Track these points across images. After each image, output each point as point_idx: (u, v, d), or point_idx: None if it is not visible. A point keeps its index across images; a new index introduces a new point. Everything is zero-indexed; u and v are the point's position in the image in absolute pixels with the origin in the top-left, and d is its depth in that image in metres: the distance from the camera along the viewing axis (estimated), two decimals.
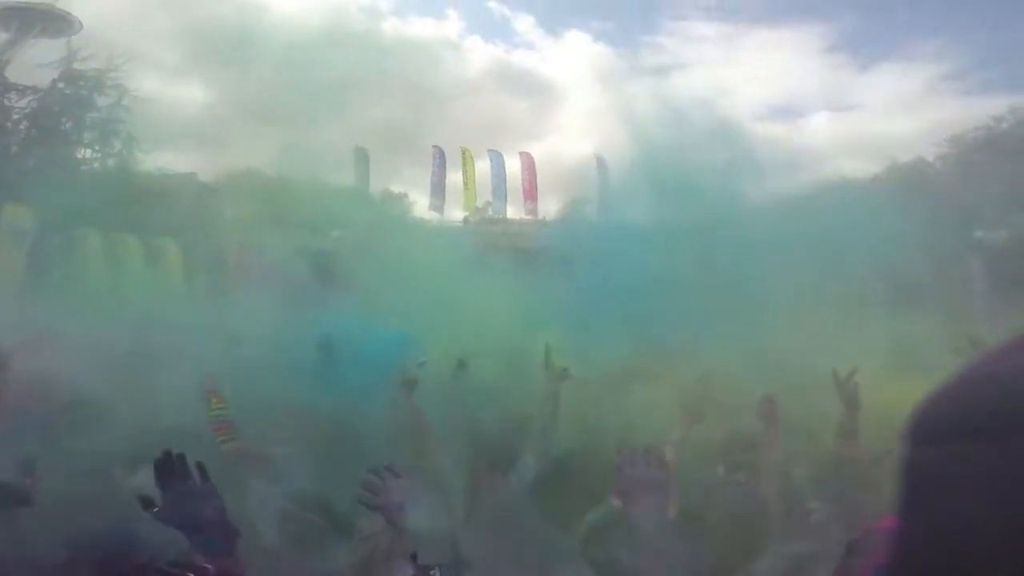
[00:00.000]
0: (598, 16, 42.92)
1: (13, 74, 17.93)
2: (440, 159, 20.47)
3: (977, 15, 32.66)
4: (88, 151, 19.36)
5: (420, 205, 19.55)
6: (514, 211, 20.83)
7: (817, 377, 3.93)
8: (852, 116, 30.91)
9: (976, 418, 0.42)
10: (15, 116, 18.11)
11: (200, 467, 1.93)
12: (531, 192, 20.83)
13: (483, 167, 20.94)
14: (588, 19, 42.20)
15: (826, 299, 5.62)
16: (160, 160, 18.70)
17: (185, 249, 11.80)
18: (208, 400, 3.37)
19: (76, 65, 18.48)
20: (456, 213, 19.98)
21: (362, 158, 17.39)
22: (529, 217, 19.78)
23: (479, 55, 34.73)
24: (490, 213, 20.63)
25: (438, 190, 20.17)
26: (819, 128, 26.27)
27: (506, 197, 21.06)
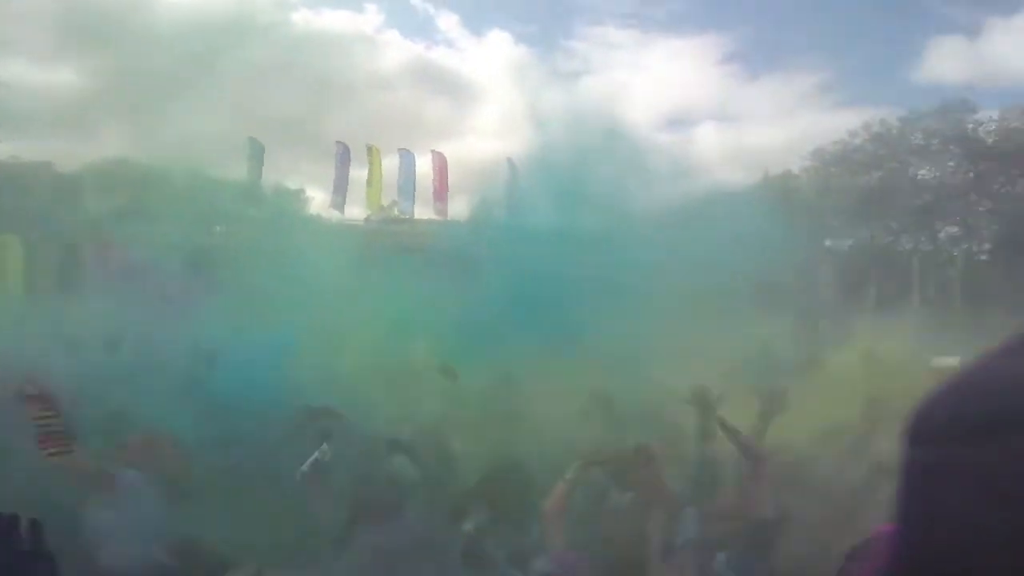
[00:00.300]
0: (521, 18, 43.59)
1: None
2: (344, 155, 19.67)
3: (850, 28, 36.60)
4: None
5: (319, 202, 18.68)
6: (424, 211, 20.55)
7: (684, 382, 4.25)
8: (735, 127, 33.76)
9: (975, 418, 0.42)
10: None
11: (34, 527, 1.66)
12: (441, 192, 20.57)
13: (392, 166, 20.43)
14: (512, 20, 42.67)
15: (700, 302, 6.00)
16: (16, 148, 16.35)
17: (31, 245, 10.38)
18: (28, 405, 2.79)
19: None
20: (359, 212, 19.34)
21: (256, 151, 16.29)
22: (438, 218, 19.55)
23: (396, 51, 33.89)
24: (396, 213, 20.14)
25: (340, 187, 19.37)
26: (707, 138, 28.38)
27: (414, 197, 20.67)
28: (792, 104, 33.58)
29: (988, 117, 24.76)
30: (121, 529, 2.68)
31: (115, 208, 9.95)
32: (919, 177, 25.82)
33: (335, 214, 14.88)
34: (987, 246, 24.92)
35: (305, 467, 3.32)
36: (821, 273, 15.58)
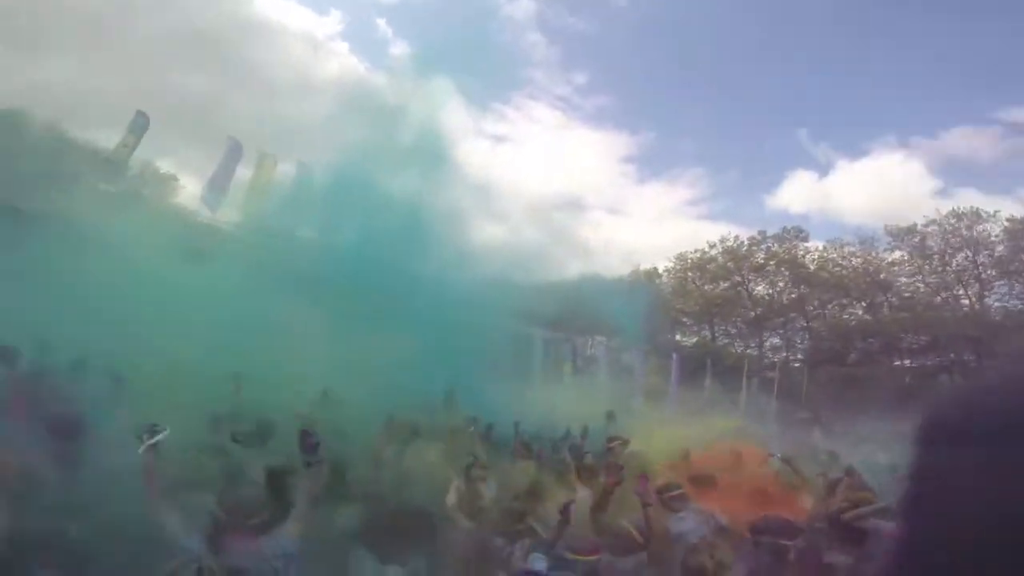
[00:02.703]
0: (471, 71, 44.58)
1: None
2: (234, 152, 18.22)
3: (730, 150, 41.56)
4: None
5: (188, 194, 17.04)
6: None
7: None
8: (621, 220, 37.08)
9: (981, 424, 0.43)
10: None
11: None
12: None
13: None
14: (458, 71, 43.32)
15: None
16: None
17: None
18: None
19: None
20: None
21: (139, 124, 14.54)
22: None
23: (335, 60, 32.81)
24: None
25: (218, 184, 17.82)
26: (593, 226, 30.76)
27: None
28: (668, 210, 37.92)
29: (814, 246, 29.32)
30: None
31: None
32: (755, 292, 29.92)
33: (202, 210, 13.52)
34: (799, 356, 29.15)
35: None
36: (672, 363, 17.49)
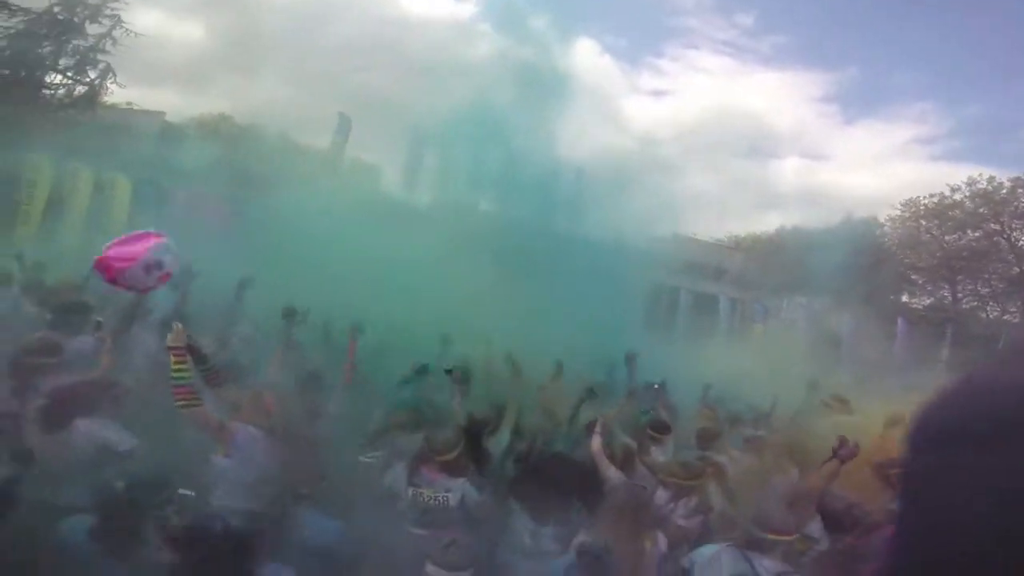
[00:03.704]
0: (612, 30, 43.35)
1: None
2: (343, 128, 19.97)
3: (961, 85, 34.22)
4: (61, 77, 18.34)
5: (389, 183, 19.23)
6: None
7: None
8: (823, 165, 32.24)
9: (974, 425, 0.42)
10: None
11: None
12: None
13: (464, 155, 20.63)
14: (603, 32, 42.32)
15: None
16: (134, 95, 17.91)
17: (138, 187, 11.44)
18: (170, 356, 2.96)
19: None
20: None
21: (343, 125, 16.93)
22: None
23: (486, 42, 34.54)
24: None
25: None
26: (790, 172, 27.23)
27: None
28: (889, 151, 31.58)
29: None
30: (236, 476, 3.02)
31: (212, 160, 10.82)
32: (1020, 244, 23.71)
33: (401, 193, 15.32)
34: None
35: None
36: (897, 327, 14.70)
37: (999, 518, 0.40)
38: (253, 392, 3.41)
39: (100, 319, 4.26)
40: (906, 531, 0.47)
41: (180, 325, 3.15)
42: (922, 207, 25.25)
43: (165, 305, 4.61)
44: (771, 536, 2.77)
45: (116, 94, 18.08)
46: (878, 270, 17.71)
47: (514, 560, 3.09)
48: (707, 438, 4.76)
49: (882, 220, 25.53)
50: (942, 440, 0.45)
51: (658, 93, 32.46)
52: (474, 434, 3.54)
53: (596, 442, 3.76)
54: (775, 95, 36.16)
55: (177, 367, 2.96)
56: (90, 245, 5.04)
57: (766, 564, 2.69)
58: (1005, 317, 23.04)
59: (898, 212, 25.79)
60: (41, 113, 13.82)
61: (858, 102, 40.12)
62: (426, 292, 7.56)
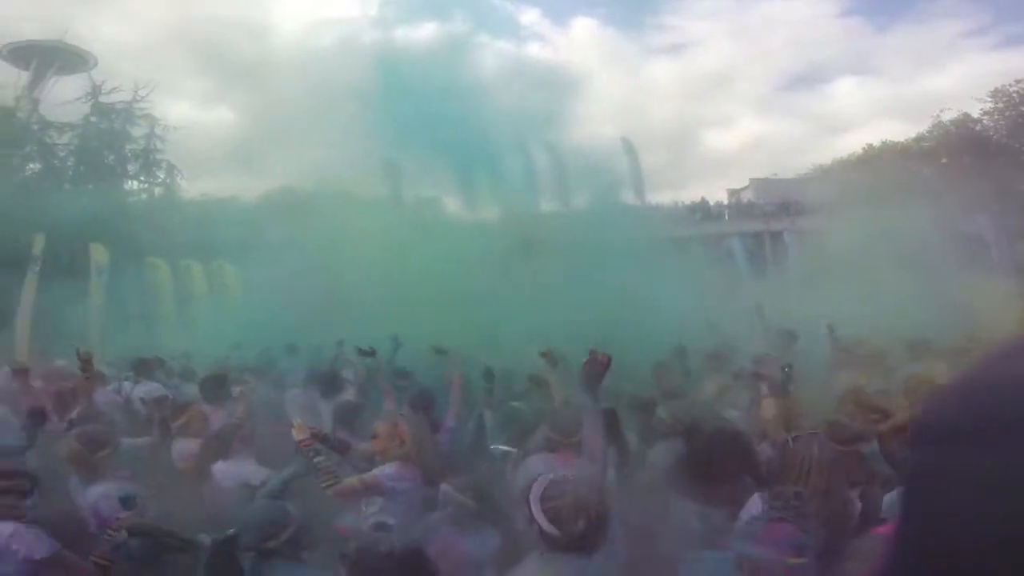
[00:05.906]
0: (603, 2, 42.46)
1: (44, 113, 18.38)
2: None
3: None
4: (134, 183, 20.07)
5: (449, 206, 19.61)
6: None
7: None
8: (878, 79, 29.60)
9: (977, 421, 0.42)
10: (61, 154, 18.79)
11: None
12: None
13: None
14: (593, 6, 41.37)
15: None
16: (200, 186, 19.53)
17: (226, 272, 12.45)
18: (304, 452, 3.24)
19: (102, 99, 18.82)
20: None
21: (392, 168, 17.45)
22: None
23: (489, 52, 34.77)
24: None
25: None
26: (846, 93, 25.24)
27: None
28: (937, 52, 28.38)
29: None
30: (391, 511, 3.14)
31: (285, 234, 11.53)
32: None
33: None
34: None
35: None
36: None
37: (1003, 516, 0.39)
38: (385, 424, 3.49)
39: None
40: (908, 530, 0.46)
41: (299, 420, 3.44)
42: (1014, 95, 22.84)
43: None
44: None
45: (184, 189, 19.68)
46: (993, 164, 15.76)
47: (680, 549, 2.93)
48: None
49: (976, 115, 23.15)
50: (945, 436, 0.44)
51: (674, 48, 31.00)
52: (612, 419, 3.41)
53: (768, 409, 3.55)
54: (790, 21, 33.80)
55: (315, 457, 3.22)
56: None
57: None
58: None
59: (990, 104, 23.29)
60: (128, 219, 15.01)
61: (878, 10, 36.59)
62: (501, 299, 8.13)
